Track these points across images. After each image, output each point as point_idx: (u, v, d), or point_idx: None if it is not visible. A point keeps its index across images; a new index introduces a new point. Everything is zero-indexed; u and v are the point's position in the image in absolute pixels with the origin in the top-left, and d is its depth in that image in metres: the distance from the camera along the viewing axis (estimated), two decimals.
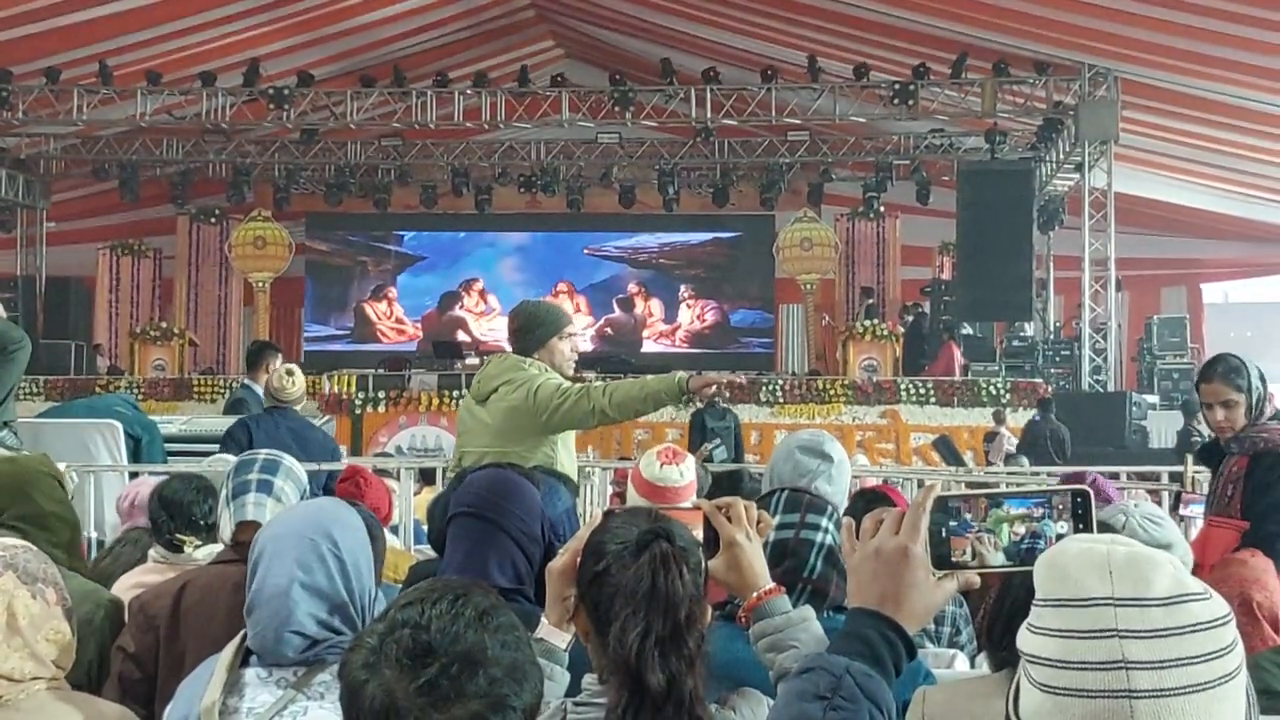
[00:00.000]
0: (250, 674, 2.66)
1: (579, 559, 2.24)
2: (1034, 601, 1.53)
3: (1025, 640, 1.52)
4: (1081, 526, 1.78)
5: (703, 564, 2.22)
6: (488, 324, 25.92)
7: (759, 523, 2.39)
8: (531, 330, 5.46)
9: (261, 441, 6.52)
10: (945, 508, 1.84)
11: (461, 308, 26.37)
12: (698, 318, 26.30)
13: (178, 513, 4.14)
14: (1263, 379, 5.15)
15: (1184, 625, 1.43)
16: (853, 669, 1.77)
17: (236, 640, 2.72)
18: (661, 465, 4.73)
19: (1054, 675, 1.45)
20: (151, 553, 4.20)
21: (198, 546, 4.09)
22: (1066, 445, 15.69)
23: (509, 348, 5.57)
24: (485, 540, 2.95)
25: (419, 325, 26.45)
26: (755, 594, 2.31)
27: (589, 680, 2.23)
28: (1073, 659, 1.44)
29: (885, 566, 1.85)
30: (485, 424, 5.36)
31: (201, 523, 4.14)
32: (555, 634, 2.40)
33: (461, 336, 25.33)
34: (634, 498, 4.86)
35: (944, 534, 1.83)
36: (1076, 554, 1.50)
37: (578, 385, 5.26)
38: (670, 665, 2.04)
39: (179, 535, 4.11)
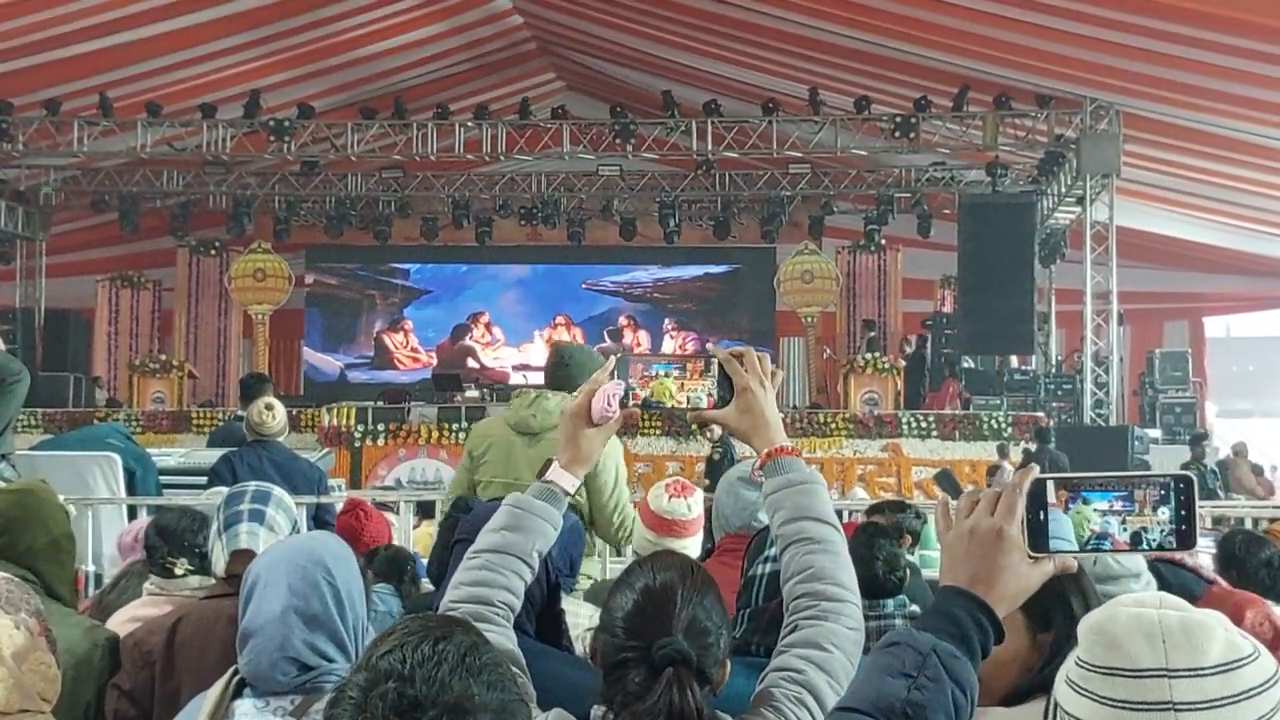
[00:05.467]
0: (246, 705, 2.65)
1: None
2: (1077, 659, 1.51)
3: (1066, 698, 1.50)
4: (1184, 512, 1.75)
5: (721, 651, 2.23)
6: (493, 353, 26.51)
7: (773, 375, 2.47)
8: (589, 371, 5.47)
9: (245, 475, 6.54)
10: (1042, 491, 1.81)
11: (471, 339, 26.65)
12: (679, 348, 26.35)
13: (172, 539, 4.12)
14: None
15: (1238, 693, 1.41)
16: (939, 649, 1.74)
17: (227, 675, 2.68)
18: (670, 498, 4.68)
19: None
20: (146, 585, 4.16)
21: (190, 571, 4.08)
22: (1065, 471, 15.66)
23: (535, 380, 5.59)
24: None
25: (433, 354, 26.67)
26: (768, 450, 2.45)
27: (596, 713, 2.21)
28: None
29: (979, 547, 1.82)
30: (532, 461, 5.31)
31: (196, 550, 4.12)
32: (564, 476, 2.50)
33: (472, 364, 25.79)
34: (641, 529, 4.80)
35: (1041, 517, 1.80)
36: (1126, 620, 1.48)
37: (630, 510, 5.31)
38: None
39: (170, 559, 4.08)
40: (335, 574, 2.69)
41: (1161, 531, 1.76)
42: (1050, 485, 1.81)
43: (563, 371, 5.51)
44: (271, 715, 2.61)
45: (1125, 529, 1.76)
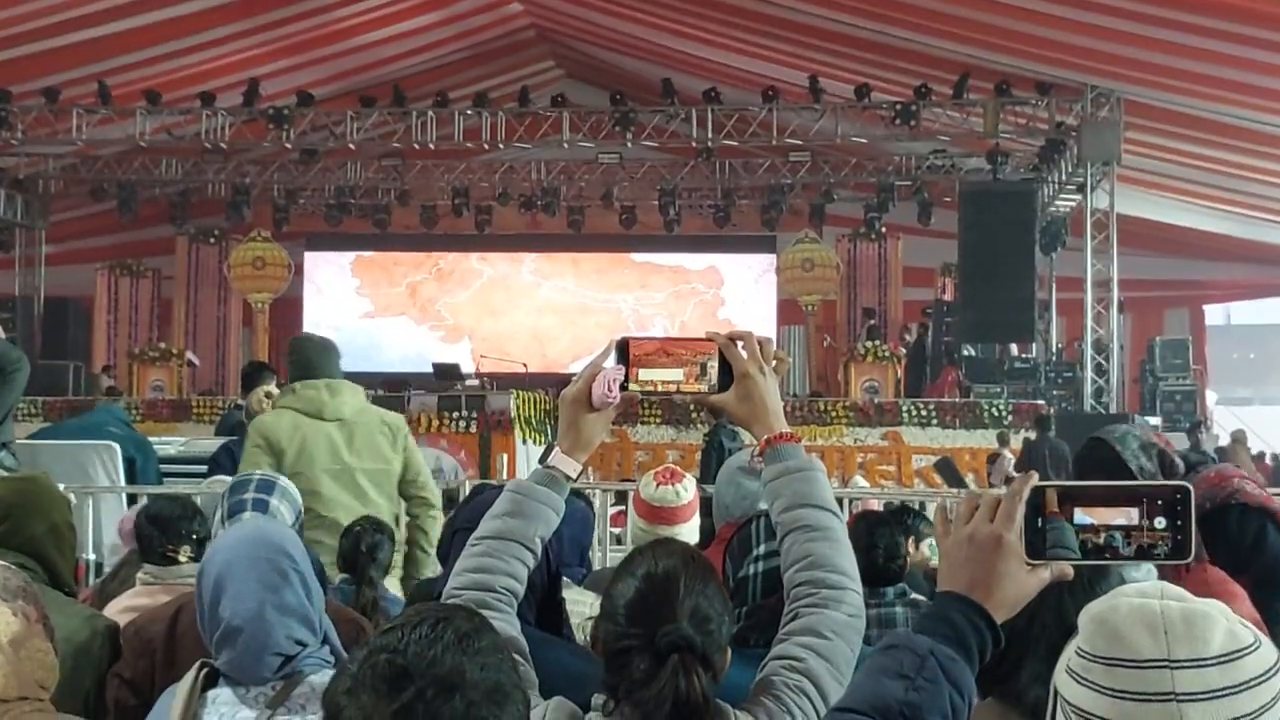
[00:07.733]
0: (225, 694, 2.68)
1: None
2: (1078, 649, 1.51)
3: (1068, 688, 1.51)
4: (1180, 522, 1.76)
5: (724, 638, 2.23)
6: None
7: (778, 361, 2.43)
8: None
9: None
10: (1041, 498, 1.82)
11: None
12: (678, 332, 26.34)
13: (168, 528, 4.12)
14: (1146, 447, 4.22)
15: (1239, 683, 1.42)
16: (937, 651, 1.76)
17: (194, 668, 2.70)
18: (657, 486, 4.68)
19: None
20: (140, 575, 4.15)
21: (191, 558, 4.08)
22: (1067, 462, 15.61)
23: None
24: None
25: None
26: (767, 436, 2.40)
27: (597, 701, 2.22)
28: None
29: (978, 553, 1.83)
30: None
31: (193, 537, 4.12)
32: (566, 462, 2.46)
33: None
34: (635, 518, 4.81)
35: (1039, 523, 1.82)
36: (1128, 612, 1.48)
37: None
38: None
39: (170, 547, 4.09)
40: (297, 558, 2.75)
41: (1158, 541, 1.77)
42: (1049, 494, 1.82)
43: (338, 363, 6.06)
44: (251, 702, 2.64)
45: (1125, 539, 1.78)
